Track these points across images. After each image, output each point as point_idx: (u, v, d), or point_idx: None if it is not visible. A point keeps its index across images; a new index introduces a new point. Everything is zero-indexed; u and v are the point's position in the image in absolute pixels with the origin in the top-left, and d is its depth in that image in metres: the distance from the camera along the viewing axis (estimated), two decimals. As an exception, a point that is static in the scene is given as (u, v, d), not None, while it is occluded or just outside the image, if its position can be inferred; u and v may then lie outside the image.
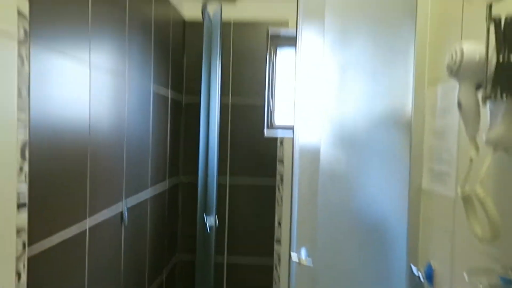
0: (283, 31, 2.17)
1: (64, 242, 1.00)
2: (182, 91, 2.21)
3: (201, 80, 1.92)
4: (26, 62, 0.83)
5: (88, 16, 1.08)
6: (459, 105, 0.86)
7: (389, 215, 1.43)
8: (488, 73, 0.78)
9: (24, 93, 0.83)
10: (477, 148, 0.86)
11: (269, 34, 2.18)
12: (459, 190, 0.89)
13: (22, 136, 0.83)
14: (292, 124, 1.40)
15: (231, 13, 2.13)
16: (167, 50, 1.89)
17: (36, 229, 0.88)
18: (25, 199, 0.83)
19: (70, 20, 1.00)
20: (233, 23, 2.15)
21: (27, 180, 0.84)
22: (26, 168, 0.84)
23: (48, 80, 0.92)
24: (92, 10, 1.10)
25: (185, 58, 2.20)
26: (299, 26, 1.36)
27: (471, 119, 0.85)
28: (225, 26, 2.11)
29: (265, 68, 2.19)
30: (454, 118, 1.13)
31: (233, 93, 2.19)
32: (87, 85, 1.09)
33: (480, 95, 0.82)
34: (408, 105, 1.35)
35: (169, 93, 1.93)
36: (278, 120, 2.33)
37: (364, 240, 1.45)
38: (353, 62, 1.37)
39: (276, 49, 2.30)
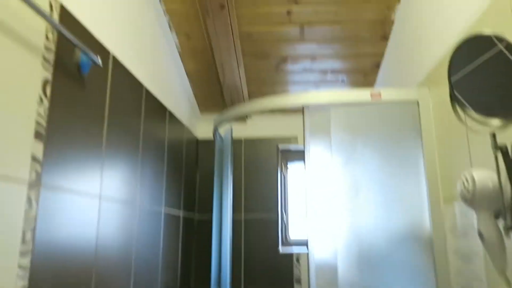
0: (292, 146, 2.23)
1: None
2: (195, 210, 2.19)
3: (213, 197, 1.92)
4: (34, 205, 0.84)
5: (101, 148, 1.12)
6: (481, 236, 0.81)
7: None
8: (505, 202, 0.74)
9: (29, 237, 0.82)
10: (508, 284, 0.78)
11: (279, 150, 2.24)
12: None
13: (21, 282, 0.79)
14: (306, 241, 1.34)
15: (241, 131, 2.23)
16: (180, 170, 1.93)
17: None
18: None
19: (83, 156, 1.03)
20: (244, 140, 2.23)
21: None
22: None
23: (55, 219, 0.91)
24: (106, 141, 1.14)
25: (198, 175, 2.24)
26: (307, 142, 1.40)
27: (496, 252, 0.79)
28: (237, 143, 2.20)
29: (277, 183, 2.19)
30: (478, 240, 1.04)
31: (246, 209, 2.16)
32: (96, 216, 1.08)
33: (501, 225, 0.77)
34: (426, 222, 1.29)
35: (180, 213, 1.92)
36: (293, 235, 2.25)
37: None
38: (363, 176, 1.36)
39: (287, 164, 2.34)
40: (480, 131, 0.83)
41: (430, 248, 1.27)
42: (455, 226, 1.19)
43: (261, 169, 2.20)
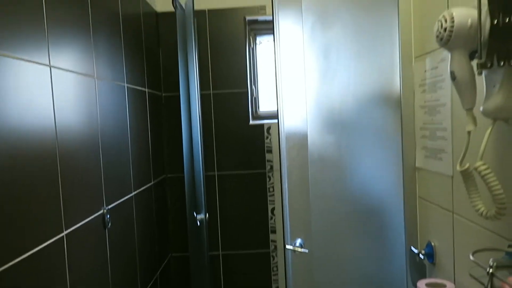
0: (260, 18, 2.09)
1: (38, 254, 0.89)
2: (161, 89, 2.09)
3: (179, 73, 1.83)
4: None
5: (42, 12, 0.97)
6: (453, 76, 0.81)
7: (385, 197, 1.35)
8: (482, 39, 0.73)
9: None
10: (474, 121, 0.80)
11: (247, 21, 2.05)
12: (458, 167, 0.80)
13: None
14: (277, 109, 1.33)
15: (205, 1, 2.06)
16: (140, 45, 1.78)
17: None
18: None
19: (21, 18, 0.88)
20: (208, 11, 2.07)
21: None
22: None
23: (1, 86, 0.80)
24: (46, 5, 0.98)
25: (161, 52, 2.09)
26: (276, 11, 1.33)
27: (466, 91, 0.80)
28: (200, 14, 2.04)
29: (245, 57, 2.09)
30: (446, 91, 1.09)
31: (214, 84, 2.08)
32: (48, 88, 0.98)
33: (474, 64, 0.76)
34: (396, 81, 1.30)
35: (146, 90, 1.82)
36: (263, 107, 2.19)
37: (361, 225, 1.37)
38: (335, 43, 1.33)
39: (256, 36, 2.21)
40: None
41: (398, 106, 1.31)
42: (424, 81, 1.23)
43: (228, 43, 2.07)
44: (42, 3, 0.97)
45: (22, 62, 0.87)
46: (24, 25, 0.89)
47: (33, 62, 0.92)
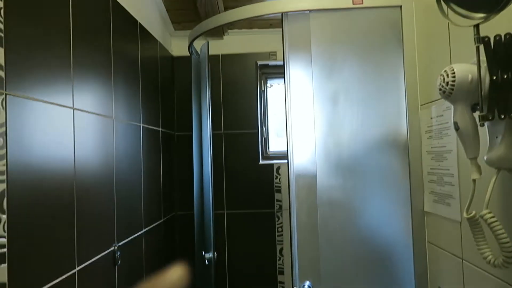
0: (271, 62, 2.19)
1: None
2: (174, 129, 2.15)
3: (192, 114, 1.90)
4: (2, 111, 0.77)
5: (70, 60, 1.05)
6: (456, 127, 0.85)
7: (394, 241, 1.34)
8: (483, 93, 0.77)
9: (0, 141, 0.77)
10: (479, 170, 0.82)
11: (258, 66, 2.17)
12: (465, 214, 0.82)
13: (2, 185, 0.75)
14: (287, 150, 1.37)
15: (219, 47, 2.16)
16: (156, 88, 1.86)
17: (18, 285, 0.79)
18: (4, 256, 0.75)
19: (50, 68, 0.94)
20: (221, 56, 2.17)
21: (6, 233, 0.76)
22: (4, 219, 0.76)
23: (27, 127, 0.85)
24: (74, 54, 1.05)
25: (175, 94, 2.18)
26: (286, 57, 1.39)
27: (470, 141, 0.83)
28: (214, 59, 2.12)
29: (256, 100, 2.16)
30: (452, 138, 1.11)
31: (225, 126, 2.14)
32: (70, 125, 1.04)
33: (477, 116, 0.80)
34: (403, 127, 1.33)
35: (160, 130, 1.89)
36: (273, 148, 2.24)
37: (371, 269, 1.35)
38: (343, 88, 1.37)
39: (267, 80, 2.29)
40: (463, 23, 0.79)
41: (406, 151, 1.33)
42: (431, 128, 1.25)
43: (240, 85, 2.16)
44: (70, 52, 1.05)
45: (49, 105, 0.94)
46: (54, 73, 0.97)
47: (59, 105, 0.99)
